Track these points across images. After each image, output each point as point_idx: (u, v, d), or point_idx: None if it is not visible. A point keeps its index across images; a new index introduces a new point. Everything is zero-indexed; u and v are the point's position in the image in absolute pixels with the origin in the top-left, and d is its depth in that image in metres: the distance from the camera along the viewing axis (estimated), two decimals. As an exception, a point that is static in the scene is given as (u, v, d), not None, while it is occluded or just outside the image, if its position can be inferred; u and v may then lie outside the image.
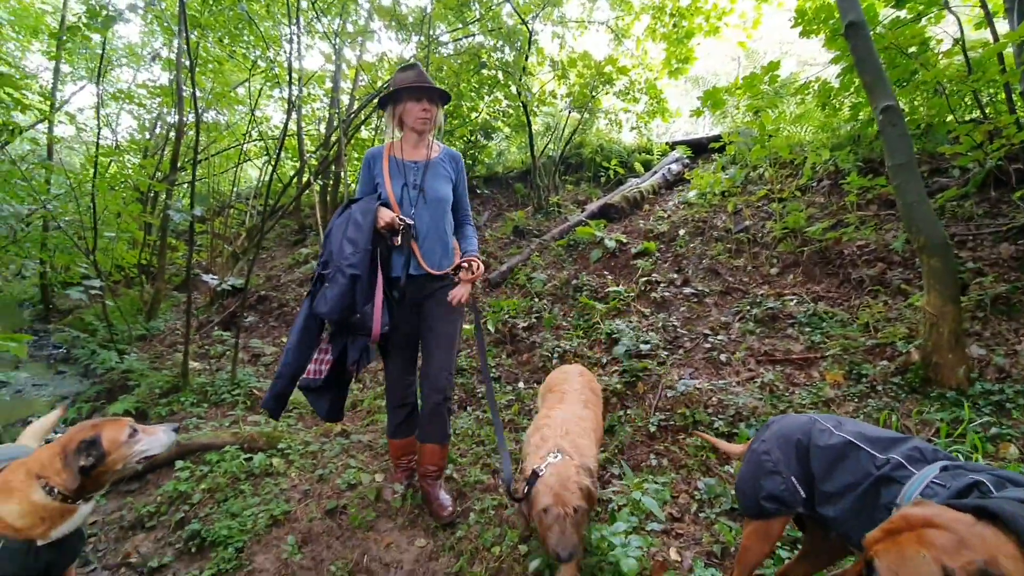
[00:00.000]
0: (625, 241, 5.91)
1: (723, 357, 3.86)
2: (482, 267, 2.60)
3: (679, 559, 2.32)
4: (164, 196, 8.30)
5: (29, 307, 9.71)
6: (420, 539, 2.57)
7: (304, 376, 2.48)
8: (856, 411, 3.09)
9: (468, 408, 3.95)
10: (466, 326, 4.31)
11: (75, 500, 1.74)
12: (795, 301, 4.21)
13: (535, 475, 2.02)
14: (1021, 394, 2.89)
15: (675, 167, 7.64)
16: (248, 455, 3.34)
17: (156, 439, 1.94)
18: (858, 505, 1.54)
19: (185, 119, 7.59)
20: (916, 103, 4.95)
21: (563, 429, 2.26)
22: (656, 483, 2.77)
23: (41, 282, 8.79)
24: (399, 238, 2.49)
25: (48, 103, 7.54)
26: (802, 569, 1.97)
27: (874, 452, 1.58)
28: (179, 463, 3.20)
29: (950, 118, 4.60)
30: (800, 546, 2.02)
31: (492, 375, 4.27)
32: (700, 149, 8.03)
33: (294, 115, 7.81)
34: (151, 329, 6.90)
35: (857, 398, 3.19)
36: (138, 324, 6.91)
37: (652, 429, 3.29)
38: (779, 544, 2.24)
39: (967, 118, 4.74)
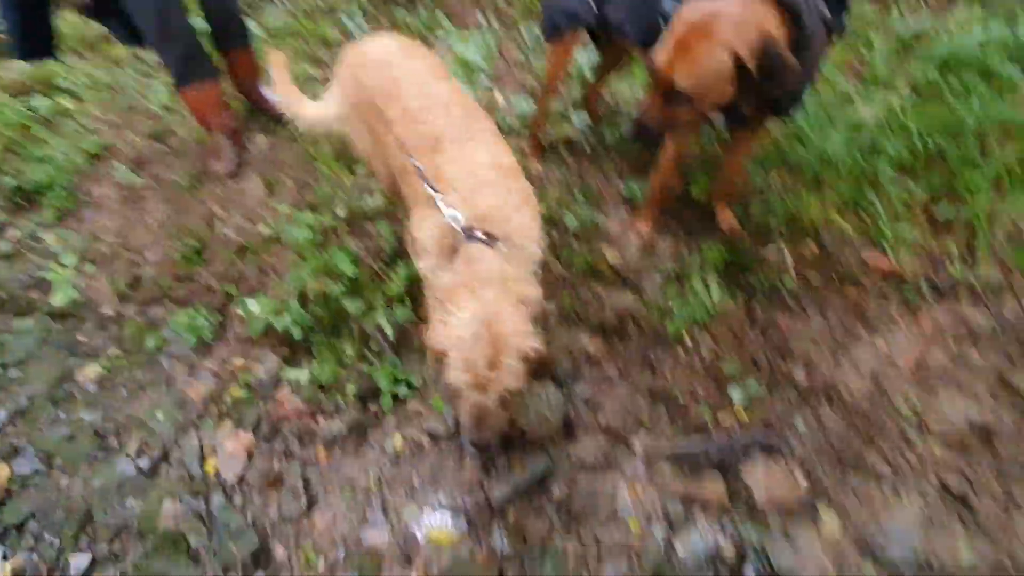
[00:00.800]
0: None
1: None
2: None
3: (503, 100, 2.56)
4: None
5: None
6: (259, 136, 2.57)
7: None
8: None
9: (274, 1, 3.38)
10: None
11: None
12: None
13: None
14: None
15: None
16: (26, 101, 2.84)
17: None
18: (638, 4, 1.63)
19: None
20: None
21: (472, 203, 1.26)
22: (482, 38, 2.77)
23: None
24: None
25: None
26: (601, 81, 2.27)
27: None
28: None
29: None
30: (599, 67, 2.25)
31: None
32: None
33: None
34: None
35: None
36: None
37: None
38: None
39: None
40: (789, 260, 1.85)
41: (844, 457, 1.46)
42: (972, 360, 1.57)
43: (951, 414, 1.49)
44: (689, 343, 1.72)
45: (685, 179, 2.07)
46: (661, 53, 1.33)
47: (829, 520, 1.38)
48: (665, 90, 1.37)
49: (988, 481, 1.37)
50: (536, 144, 2.27)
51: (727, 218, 1.93)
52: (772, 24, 1.27)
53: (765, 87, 1.30)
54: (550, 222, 2.06)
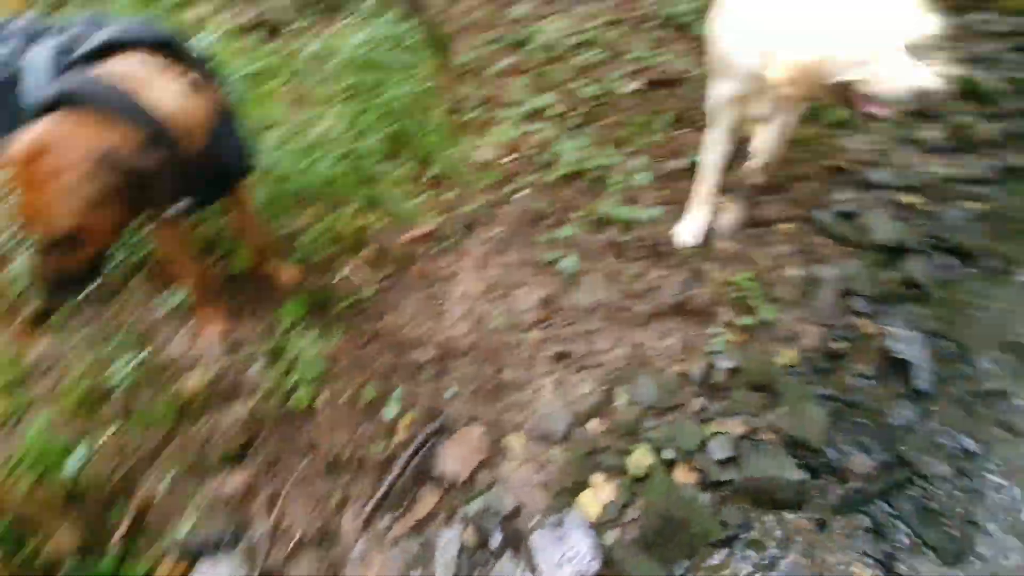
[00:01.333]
0: None
1: None
2: None
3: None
4: None
5: None
6: None
7: None
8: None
9: None
10: None
11: None
12: None
13: None
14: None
15: None
16: None
17: None
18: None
19: None
20: None
21: None
22: None
23: None
24: None
25: None
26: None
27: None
28: None
29: None
30: None
31: None
32: None
33: None
34: None
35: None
36: None
37: None
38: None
39: None
40: (356, 274, 1.94)
41: (490, 388, 1.67)
42: (510, 259, 1.99)
43: (525, 303, 1.86)
44: (324, 400, 1.65)
45: (220, 261, 1.91)
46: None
47: (513, 442, 1.57)
48: (42, 243, 1.15)
49: (568, 331, 1.78)
50: (19, 322, 1.73)
51: (281, 274, 1.88)
52: (105, 135, 1.14)
53: (155, 187, 1.19)
54: (99, 397, 1.62)
